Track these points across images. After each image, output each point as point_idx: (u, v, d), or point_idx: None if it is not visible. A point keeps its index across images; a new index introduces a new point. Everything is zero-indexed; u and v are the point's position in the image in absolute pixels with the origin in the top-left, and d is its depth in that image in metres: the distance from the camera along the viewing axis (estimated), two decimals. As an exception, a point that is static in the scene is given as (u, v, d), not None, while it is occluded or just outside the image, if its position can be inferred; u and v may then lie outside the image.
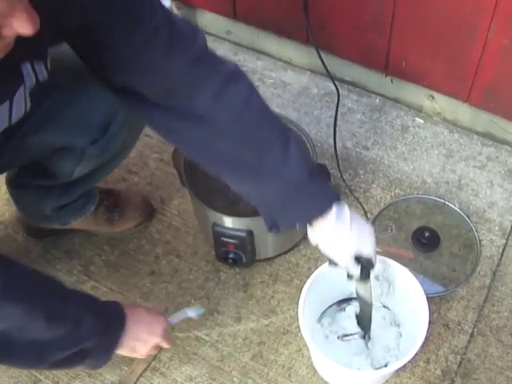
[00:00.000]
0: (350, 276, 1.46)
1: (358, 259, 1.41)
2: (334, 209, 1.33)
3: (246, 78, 1.32)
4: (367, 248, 1.40)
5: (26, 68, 1.13)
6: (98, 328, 1.31)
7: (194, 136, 1.33)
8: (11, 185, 1.77)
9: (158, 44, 1.19)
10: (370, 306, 1.56)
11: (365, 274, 1.45)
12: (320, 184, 1.37)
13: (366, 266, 1.43)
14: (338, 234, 1.36)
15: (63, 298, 1.27)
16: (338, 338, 1.67)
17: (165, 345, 1.53)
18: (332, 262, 1.44)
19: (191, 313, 1.62)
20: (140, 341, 1.44)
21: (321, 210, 1.34)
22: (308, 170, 1.33)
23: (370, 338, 1.63)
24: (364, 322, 1.61)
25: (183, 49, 1.22)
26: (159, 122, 1.34)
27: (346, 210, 1.36)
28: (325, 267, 1.56)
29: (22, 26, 0.82)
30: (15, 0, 0.78)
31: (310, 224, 1.37)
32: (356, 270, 1.43)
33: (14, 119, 1.20)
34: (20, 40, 0.87)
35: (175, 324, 1.62)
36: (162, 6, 1.20)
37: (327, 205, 1.34)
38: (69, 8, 1.06)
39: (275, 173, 1.33)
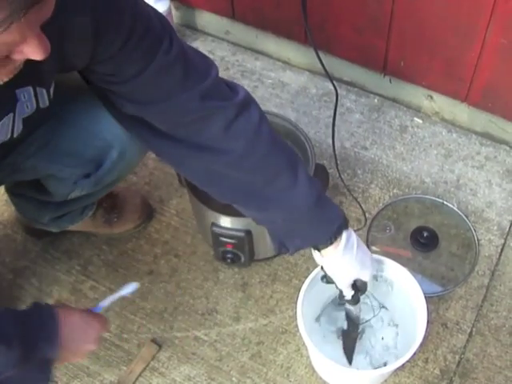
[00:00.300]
0: (341, 296, 1.51)
1: (354, 283, 1.46)
2: (344, 236, 1.36)
3: (256, 106, 1.32)
4: (366, 275, 1.45)
5: (29, 93, 1.13)
6: (21, 354, 1.19)
7: (202, 166, 1.34)
8: (10, 192, 1.76)
9: (173, 77, 1.18)
10: (357, 326, 1.61)
11: (356, 298, 1.51)
12: (328, 210, 1.38)
13: (360, 289, 1.49)
14: (346, 261, 1.39)
15: None
16: (338, 337, 1.68)
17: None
18: (325, 279, 1.49)
19: (124, 291, 1.47)
20: (73, 352, 1.32)
21: (327, 237, 1.36)
22: (316, 196, 1.35)
23: (350, 361, 1.65)
24: (348, 343, 1.64)
25: (197, 82, 1.21)
26: (167, 152, 1.34)
27: (353, 237, 1.40)
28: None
29: (33, 51, 0.82)
30: (26, 29, 0.78)
31: (318, 250, 1.40)
32: (349, 293, 1.49)
33: None
34: (25, 65, 0.87)
35: (107, 307, 1.47)
36: (177, 39, 1.19)
37: (333, 232, 1.36)
38: (81, 38, 1.05)
39: (283, 200, 1.34)
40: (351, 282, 1.44)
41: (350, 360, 1.63)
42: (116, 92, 1.21)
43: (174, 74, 1.18)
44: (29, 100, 1.14)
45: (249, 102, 1.30)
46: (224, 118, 1.26)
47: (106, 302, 1.44)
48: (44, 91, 1.16)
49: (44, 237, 1.92)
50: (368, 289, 1.53)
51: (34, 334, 1.20)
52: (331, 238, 1.36)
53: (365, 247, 1.45)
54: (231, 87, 1.30)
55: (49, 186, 1.57)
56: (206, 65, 1.26)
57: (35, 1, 0.75)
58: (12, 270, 1.88)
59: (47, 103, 1.19)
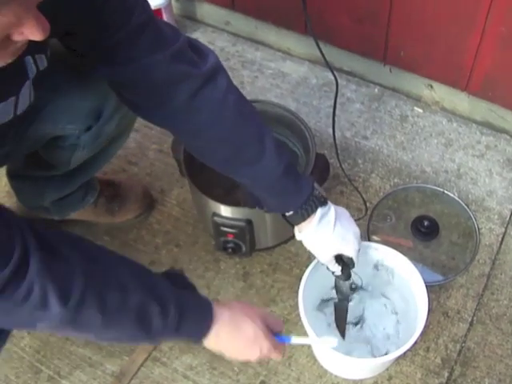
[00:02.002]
0: (332, 271, 1.52)
1: (340, 258, 1.47)
2: (319, 211, 1.38)
3: (224, 75, 1.31)
4: (349, 250, 1.45)
5: (29, 61, 1.14)
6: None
7: (172, 131, 1.40)
8: (11, 176, 1.77)
9: (146, 38, 1.19)
10: (347, 301, 1.60)
11: (346, 273, 1.51)
12: (296, 183, 1.39)
13: (346, 265, 1.49)
14: (320, 235, 1.41)
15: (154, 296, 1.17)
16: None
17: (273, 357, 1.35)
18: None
19: (324, 344, 1.41)
20: (224, 352, 1.30)
21: (294, 208, 1.38)
22: (283, 169, 1.35)
23: (343, 336, 1.64)
24: (339, 314, 1.63)
25: (167, 44, 1.22)
26: (141, 114, 1.37)
27: (331, 212, 1.41)
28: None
29: (32, 32, 0.82)
30: (22, 11, 0.78)
31: (292, 225, 1.43)
32: (336, 268, 1.49)
33: (20, 111, 1.22)
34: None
35: (296, 344, 1.46)
36: (147, 3, 1.21)
37: (300, 204, 1.38)
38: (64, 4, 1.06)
39: (250, 170, 1.36)
40: (331, 257, 1.45)
41: (342, 333, 1.62)
42: (93, 55, 1.22)
43: (147, 35, 1.19)
44: (31, 67, 1.16)
45: (217, 71, 1.30)
46: (189, 87, 1.26)
47: (300, 341, 1.46)
48: (43, 56, 1.18)
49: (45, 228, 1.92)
50: (369, 279, 1.54)
51: (188, 310, 1.20)
52: (301, 211, 1.38)
53: (348, 223, 1.46)
54: (201, 55, 1.29)
55: (50, 156, 1.58)
56: (174, 30, 1.27)
57: None
58: (14, 261, 1.88)
59: (46, 64, 1.20)
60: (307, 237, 1.42)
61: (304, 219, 1.39)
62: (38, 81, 1.23)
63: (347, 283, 1.54)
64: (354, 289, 1.69)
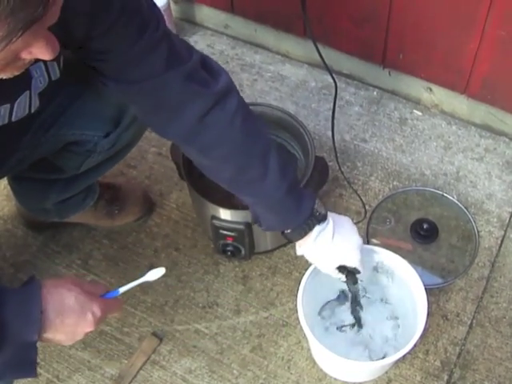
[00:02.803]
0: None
1: (344, 267, 1.49)
2: (316, 228, 1.40)
3: (235, 96, 1.33)
4: (350, 261, 1.47)
5: (40, 68, 1.15)
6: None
7: (180, 147, 1.44)
8: (13, 177, 1.77)
9: (158, 56, 1.19)
10: (358, 297, 1.62)
11: (352, 279, 1.53)
12: (298, 202, 1.40)
13: (351, 273, 1.51)
14: (320, 249, 1.44)
15: None
16: (337, 328, 1.68)
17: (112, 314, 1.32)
18: None
19: (149, 277, 1.35)
20: (64, 333, 1.19)
21: (294, 226, 1.41)
22: (286, 188, 1.37)
23: (361, 326, 1.66)
24: (354, 307, 1.65)
25: (180, 63, 1.23)
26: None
27: (329, 226, 1.42)
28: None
29: (42, 52, 0.83)
30: (30, 38, 0.78)
31: (291, 241, 1.47)
32: (341, 277, 1.52)
33: (15, 118, 1.21)
34: None
35: (126, 290, 1.34)
36: (164, 21, 1.21)
37: (300, 223, 1.40)
38: (80, 12, 1.06)
39: (253, 189, 1.39)
40: (334, 268, 1.47)
41: (359, 324, 1.67)
42: (103, 70, 1.22)
43: (160, 53, 1.19)
44: (41, 75, 1.17)
45: (228, 91, 1.31)
46: (200, 107, 1.27)
47: (126, 287, 1.35)
48: (55, 63, 1.18)
49: (45, 230, 1.92)
50: (368, 282, 1.54)
51: (9, 314, 1.08)
52: (298, 229, 1.41)
53: (349, 233, 1.47)
54: (213, 74, 1.30)
55: (62, 160, 1.58)
56: (188, 48, 1.28)
57: (35, 19, 0.75)
58: (13, 264, 1.88)
59: (58, 75, 1.21)
60: (307, 252, 1.45)
61: (302, 237, 1.42)
62: (55, 88, 1.24)
63: (356, 286, 1.57)
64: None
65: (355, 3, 1.98)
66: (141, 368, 1.71)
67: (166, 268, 1.81)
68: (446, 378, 1.67)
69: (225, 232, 1.73)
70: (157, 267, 1.34)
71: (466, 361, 1.69)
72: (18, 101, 1.18)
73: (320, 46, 1.73)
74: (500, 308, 1.77)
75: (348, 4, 2.00)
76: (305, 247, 1.44)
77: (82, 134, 1.49)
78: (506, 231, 1.91)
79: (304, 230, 1.40)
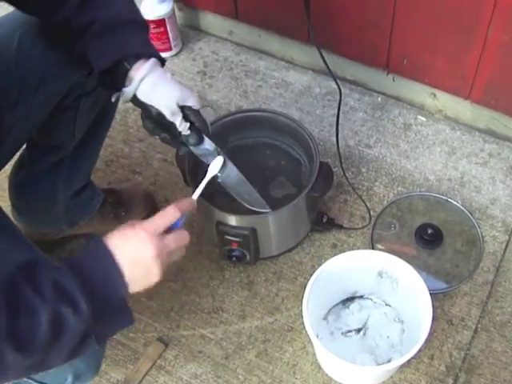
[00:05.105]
0: (181, 140, 1.39)
1: (185, 114, 1.35)
2: (156, 60, 1.32)
3: None
4: (192, 98, 1.35)
5: None
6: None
7: None
8: (19, 191, 1.77)
9: None
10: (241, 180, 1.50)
11: (198, 135, 1.38)
12: (144, 34, 1.37)
13: (192, 122, 1.36)
14: (159, 76, 1.32)
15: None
16: (342, 334, 1.69)
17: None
18: (159, 134, 1.37)
19: (213, 170, 1.35)
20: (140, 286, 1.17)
21: (138, 49, 1.32)
22: (134, 17, 1.35)
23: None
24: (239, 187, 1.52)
25: None
26: None
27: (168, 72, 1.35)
28: (328, 265, 1.57)
29: None
30: None
31: (130, 66, 1.31)
32: (184, 126, 1.35)
33: None
34: None
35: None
36: None
37: (147, 48, 1.34)
38: None
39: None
40: (176, 106, 1.33)
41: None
42: None
43: None
44: None
45: None
46: None
47: (197, 193, 1.34)
48: None
49: (53, 248, 1.92)
50: (373, 287, 1.53)
51: (97, 284, 1.08)
52: (139, 50, 1.32)
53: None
54: None
55: (54, 134, 1.60)
56: None
57: None
58: (19, 270, 1.89)
59: None
60: (144, 81, 1.30)
61: (136, 61, 1.31)
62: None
63: (201, 148, 1.42)
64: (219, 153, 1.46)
65: (359, 9, 1.99)
66: (146, 373, 1.71)
67: (172, 273, 1.85)
68: (451, 382, 1.67)
69: (230, 237, 1.73)
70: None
71: (470, 365, 1.69)
72: None
73: (324, 52, 1.75)
74: (505, 312, 1.78)
75: (352, 10, 2.01)
76: (142, 72, 1.29)
77: (70, 80, 1.47)
78: (510, 236, 1.91)
79: (143, 54, 1.31)
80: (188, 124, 1.36)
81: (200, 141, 1.39)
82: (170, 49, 2.39)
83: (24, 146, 1.66)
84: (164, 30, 2.32)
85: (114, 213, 1.90)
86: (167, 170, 2.09)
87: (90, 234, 1.91)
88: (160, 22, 2.29)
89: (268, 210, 1.56)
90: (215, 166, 1.41)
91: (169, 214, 1.23)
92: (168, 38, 2.36)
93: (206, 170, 1.42)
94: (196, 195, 1.36)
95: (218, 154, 1.43)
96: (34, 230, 1.87)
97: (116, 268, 1.10)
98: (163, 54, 2.39)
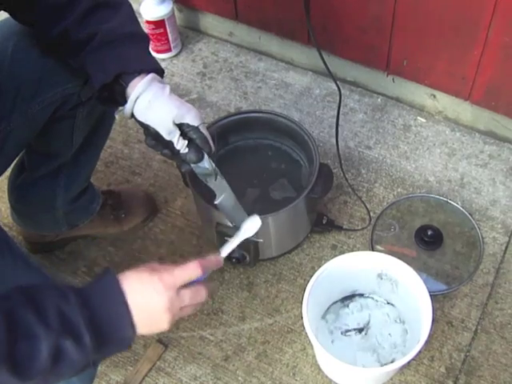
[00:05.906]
0: (181, 159, 1.34)
1: (183, 132, 1.32)
2: (150, 75, 1.29)
3: None
4: (190, 115, 1.31)
5: None
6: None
7: None
8: (19, 194, 1.77)
9: None
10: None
11: (194, 150, 1.33)
12: (144, 47, 1.37)
13: (191, 138, 1.32)
14: (156, 93, 1.29)
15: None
16: (342, 333, 1.69)
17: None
18: (161, 150, 1.34)
19: (247, 232, 1.30)
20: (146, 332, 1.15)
21: (136, 65, 1.30)
22: (134, 30, 1.35)
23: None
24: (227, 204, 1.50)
25: None
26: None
27: (167, 86, 1.32)
28: (327, 266, 1.57)
29: None
30: None
31: (126, 84, 1.29)
32: (181, 144, 1.31)
33: None
34: None
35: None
36: None
37: (146, 63, 1.32)
38: None
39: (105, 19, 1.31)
40: (172, 124, 1.29)
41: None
42: None
43: None
44: None
45: None
46: None
47: (225, 252, 1.31)
48: None
49: (53, 249, 1.93)
50: (373, 288, 1.53)
51: (104, 322, 1.06)
52: (137, 66, 1.30)
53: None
54: None
55: (52, 141, 1.59)
56: None
57: None
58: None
59: None
60: (141, 98, 1.28)
61: (135, 77, 1.29)
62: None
63: (203, 166, 1.37)
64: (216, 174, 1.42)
65: (359, 10, 1.99)
66: (146, 375, 1.71)
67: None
68: (451, 384, 1.67)
69: (230, 239, 1.72)
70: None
71: (470, 367, 1.69)
72: None
73: (324, 54, 1.74)
74: (505, 314, 1.77)
75: (352, 11, 2.01)
76: (139, 89, 1.27)
77: (65, 89, 1.47)
78: (510, 237, 1.91)
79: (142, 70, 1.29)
80: (186, 142, 1.31)
81: (200, 158, 1.35)
82: (169, 50, 2.39)
83: (24, 151, 1.66)
84: (164, 31, 2.32)
85: (113, 214, 1.90)
86: (167, 172, 2.09)
87: (90, 235, 1.91)
88: (159, 23, 2.30)
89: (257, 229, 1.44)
90: (251, 227, 1.35)
91: (190, 271, 1.20)
92: (168, 39, 2.36)
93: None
94: (225, 253, 1.32)
95: (216, 176, 1.40)
96: (33, 231, 1.87)
97: (125, 310, 1.08)
98: (163, 55, 2.39)
